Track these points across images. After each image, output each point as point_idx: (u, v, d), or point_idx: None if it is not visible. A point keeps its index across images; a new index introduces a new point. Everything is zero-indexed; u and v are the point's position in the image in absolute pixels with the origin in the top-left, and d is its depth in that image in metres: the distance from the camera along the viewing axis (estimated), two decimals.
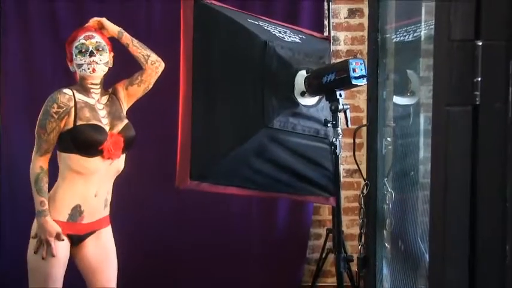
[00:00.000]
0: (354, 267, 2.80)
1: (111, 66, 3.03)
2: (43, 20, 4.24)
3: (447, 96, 1.48)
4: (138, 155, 3.31)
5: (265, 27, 3.11)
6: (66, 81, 3.11)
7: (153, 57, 3.07)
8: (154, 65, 3.06)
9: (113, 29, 3.03)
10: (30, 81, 4.22)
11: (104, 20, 3.03)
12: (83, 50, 2.91)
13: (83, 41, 2.93)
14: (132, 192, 4.06)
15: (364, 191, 2.66)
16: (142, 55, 3.05)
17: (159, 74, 3.08)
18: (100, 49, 2.93)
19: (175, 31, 3.14)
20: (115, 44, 3.06)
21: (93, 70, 2.91)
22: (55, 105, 2.84)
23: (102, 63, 2.93)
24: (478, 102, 1.47)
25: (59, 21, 4.21)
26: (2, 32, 4.24)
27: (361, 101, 4.37)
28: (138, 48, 3.05)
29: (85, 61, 2.90)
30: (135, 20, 4.19)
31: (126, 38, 3.04)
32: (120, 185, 3.11)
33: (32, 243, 2.90)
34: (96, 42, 2.94)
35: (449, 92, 1.48)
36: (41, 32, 4.24)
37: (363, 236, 2.60)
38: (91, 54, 2.91)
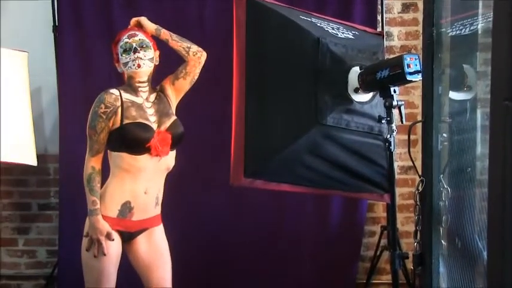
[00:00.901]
0: (409, 264, 2.77)
1: (157, 63, 3.08)
2: (98, 20, 4.30)
3: (506, 91, 1.45)
4: (190, 153, 3.32)
5: (318, 24, 3.09)
6: (122, 80, 3.16)
7: (194, 48, 3.11)
8: (196, 56, 3.10)
9: (151, 26, 3.09)
10: (86, 80, 4.30)
11: (142, 19, 3.10)
12: (127, 48, 2.98)
13: (126, 40, 3.00)
14: (185, 190, 4.10)
15: (420, 188, 2.63)
16: (183, 47, 3.09)
17: (202, 64, 3.13)
18: (144, 46, 2.99)
19: (228, 28, 3.15)
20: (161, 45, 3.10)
21: (138, 65, 2.97)
22: (102, 106, 2.90)
23: (146, 59, 2.99)
24: None
25: (113, 21, 4.25)
26: (58, 33, 4.33)
27: (416, 96, 4.32)
28: (178, 42, 3.09)
29: (130, 58, 2.97)
30: (188, 18, 4.23)
31: (165, 34, 3.09)
32: (172, 182, 3.14)
33: (85, 241, 2.96)
34: (139, 39, 3.00)
35: (509, 86, 1.44)
36: (95, 32, 4.30)
37: (418, 233, 2.57)
38: (135, 50, 2.97)
